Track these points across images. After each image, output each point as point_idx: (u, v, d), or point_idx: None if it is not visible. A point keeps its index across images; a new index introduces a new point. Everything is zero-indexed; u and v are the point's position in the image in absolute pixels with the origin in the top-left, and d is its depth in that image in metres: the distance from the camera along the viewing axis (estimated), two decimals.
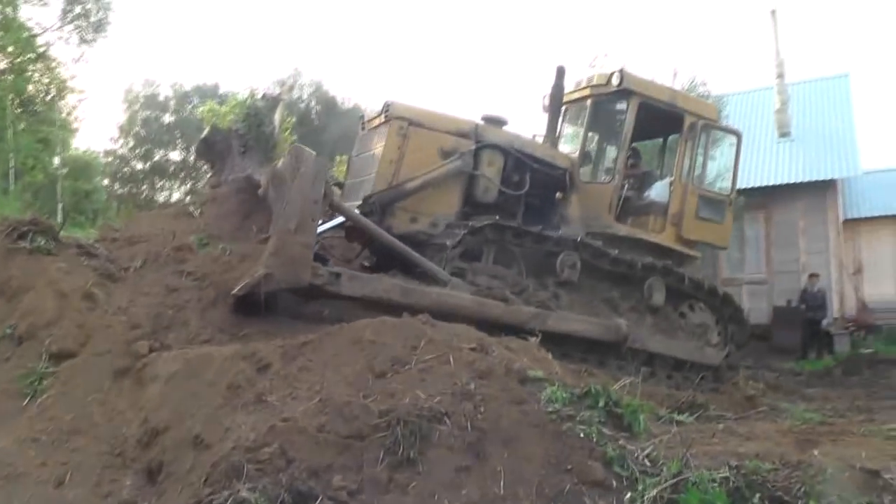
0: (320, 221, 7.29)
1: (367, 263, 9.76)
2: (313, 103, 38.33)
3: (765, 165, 18.44)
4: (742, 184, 12.22)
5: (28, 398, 5.59)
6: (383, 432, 4.05)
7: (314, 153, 7.02)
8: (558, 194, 9.87)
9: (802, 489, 3.68)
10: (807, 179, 17.66)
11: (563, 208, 9.83)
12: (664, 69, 32.77)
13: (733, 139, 11.36)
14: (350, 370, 4.68)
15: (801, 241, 17.80)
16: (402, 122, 8.52)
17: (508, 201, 9.22)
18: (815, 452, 4.51)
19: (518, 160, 9.25)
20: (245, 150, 11.64)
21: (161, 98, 39.07)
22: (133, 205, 33.75)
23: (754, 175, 17.78)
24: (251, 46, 76.00)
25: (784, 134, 19.36)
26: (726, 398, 9.10)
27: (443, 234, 8.42)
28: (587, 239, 9.17)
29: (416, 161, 8.52)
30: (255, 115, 12.37)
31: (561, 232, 9.16)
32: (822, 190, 17.69)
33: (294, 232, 6.69)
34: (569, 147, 11.20)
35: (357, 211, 8.01)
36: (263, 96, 14.42)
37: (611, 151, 11.29)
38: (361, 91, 75.22)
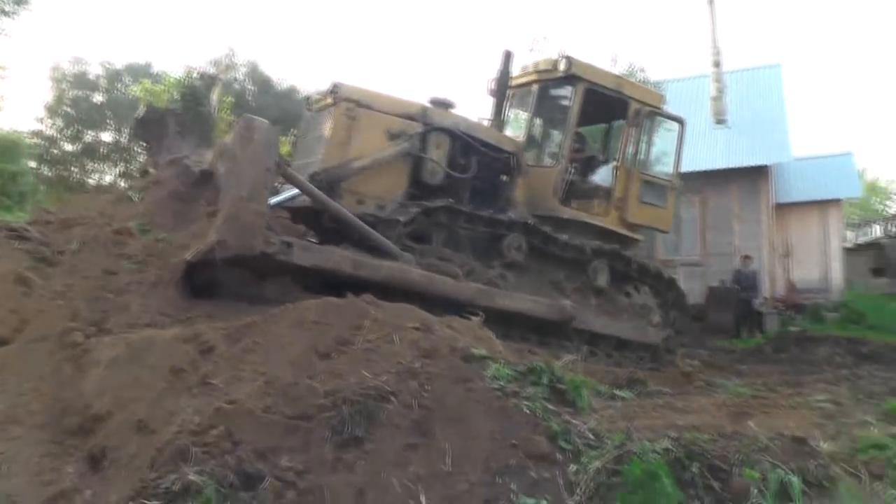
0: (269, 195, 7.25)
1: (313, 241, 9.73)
2: (249, 84, 37.59)
3: (701, 151, 18.88)
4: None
5: None
6: (329, 412, 4.07)
7: (266, 122, 7.00)
8: (504, 177, 9.98)
9: (738, 457, 3.84)
10: (741, 165, 18.15)
11: (508, 191, 9.96)
12: (603, 54, 33.22)
13: (675, 125, 11.60)
14: (295, 351, 4.68)
15: (735, 225, 18.33)
16: (350, 104, 8.49)
17: (455, 184, 9.29)
18: (750, 423, 4.71)
19: (465, 143, 9.33)
20: (182, 130, 11.43)
21: (91, 77, 37.68)
22: (64, 187, 32.68)
23: (691, 160, 18.13)
24: (183, 24, 74.07)
25: (720, 121, 19.82)
26: (664, 375, 9.36)
27: (394, 211, 8.44)
28: (536, 223, 9.29)
29: (363, 143, 8.51)
30: (193, 95, 12.12)
31: (510, 215, 9.27)
32: (756, 175, 18.23)
33: (247, 199, 6.69)
34: (515, 131, 11.27)
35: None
36: (201, 76, 14.11)
37: (556, 136, 11.41)
38: (297, 72, 74.13)
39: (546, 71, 10.59)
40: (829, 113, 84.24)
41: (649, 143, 11.04)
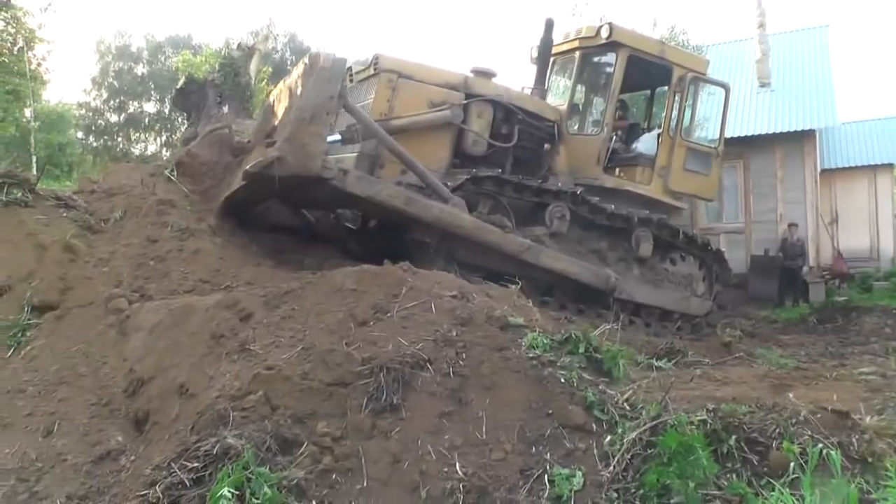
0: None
1: (352, 226, 9.86)
2: (288, 54, 37.68)
3: (744, 115, 18.42)
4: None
5: (11, 350, 5.61)
6: (366, 379, 4.10)
7: (334, 53, 7.12)
8: (546, 146, 9.89)
9: (777, 430, 3.77)
10: (785, 129, 17.69)
11: (551, 159, 9.91)
12: (644, 18, 32.51)
13: (720, 91, 11.34)
14: (332, 318, 4.71)
15: (779, 191, 17.88)
16: (392, 75, 8.47)
17: (497, 153, 9.27)
18: (790, 395, 4.63)
19: (507, 112, 9.29)
20: (221, 100, 11.50)
21: (133, 49, 38.19)
22: (109, 157, 33.25)
23: (733, 125, 17.74)
24: None
25: (764, 84, 19.33)
26: (703, 345, 9.27)
27: (443, 177, 8.43)
28: (584, 192, 9.22)
29: (405, 113, 8.51)
30: (231, 66, 12.16)
31: (557, 184, 9.22)
32: (800, 140, 17.73)
33: (308, 122, 6.83)
34: (557, 99, 11.13)
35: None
36: (239, 46, 14.15)
37: (598, 103, 11.25)
38: (336, 41, 73.95)
39: (588, 38, 10.42)
40: (882, 76, 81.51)
41: (694, 110, 10.83)
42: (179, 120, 32.24)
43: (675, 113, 10.53)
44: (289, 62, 36.80)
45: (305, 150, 6.83)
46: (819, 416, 3.92)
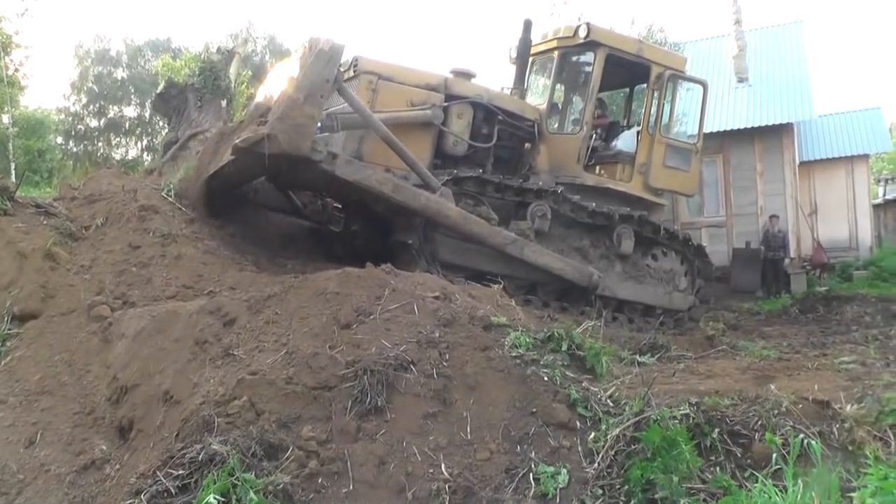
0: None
1: (335, 229, 9.95)
2: (268, 56, 37.53)
3: (723, 110, 18.56)
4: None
5: None
6: (350, 382, 4.11)
7: (333, 38, 7.20)
8: (527, 145, 9.95)
9: (759, 422, 3.82)
10: (764, 123, 17.83)
11: (531, 158, 9.95)
12: (622, 16, 32.69)
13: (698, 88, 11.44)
14: (315, 322, 4.71)
15: (759, 184, 18.04)
16: (372, 77, 8.47)
17: (478, 153, 9.33)
18: (772, 387, 4.67)
19: (487, 113, 9.34)
20: (201, 104, 11.47)
21: (113, 53, 37.86)
22: (89, 162, 32.96)
23: (712, 120, 17.87)
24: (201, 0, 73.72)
25: (741, 79, 19.50)
26: (687, 339, 9.32)
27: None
28: (564, 191, 9.26)
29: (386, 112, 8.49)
30: (211, 69, 12.13)
31: (536, 182, 9.26)
32: (779, 133, 17.88)
33: (303, 102, 6.87)
34: (536, 98, 11.18)
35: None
36: (218, 50, 14.11)
37: (578, 102, 11.32)
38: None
39: (566, 38, 10.46)
40: (856, 70, 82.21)
41: (672, 107, 10.89)
42: (160, 124, 32.02)
43: (653, 110, 10.58)
44: (269, 65, 36.66)
45: (297, 130, 6.86)
46: (800, 406, 3.97)
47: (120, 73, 37.79)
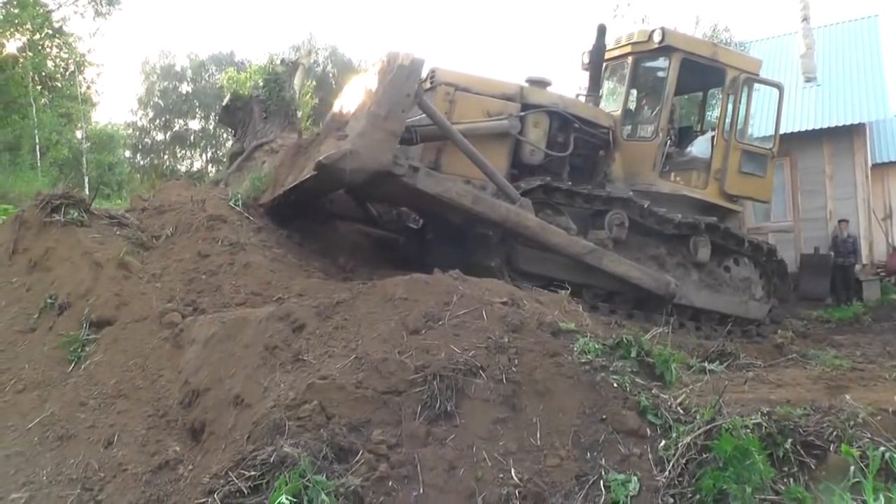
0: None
1: (414, 226, 10.08)
2: (329, 66, 38.17)
3: (789, 111, 18.11)
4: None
5: (73, 364, 5.77)
6: (420, 387, 4.13)
7: (413, 52, 7.32)
8: (601, 152, 9.95)
9: (834, 433, 3.71)
10: (832, 124, 17.35)
11: (606, 166, 9.94)
12: (686, 16, 32.24)
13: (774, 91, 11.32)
14: (384, 327, 4.75)
15: (828, 188, 17.53)
16: (449, 88, 8.58)
17: (554, 162, 9.36)
18: (847, 397, 4.53)
19: (563, 121, 9.37)
20: (266, 115, 11.69)
21: (178, 68, 39.09)
22: (156, 175, 33.96)
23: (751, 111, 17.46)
24: (263, 13, 75.42)
25: (809, 79, 19.00)
26: (755, 347, 9.13)
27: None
28: (650, 202, 9.30)
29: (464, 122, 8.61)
30: (276, 81, 12.34)
31: (610, 190, 9.29)
32: (849, 134, 17.36)
33: (384, 118, 7.01)
34: (610, 104, 11.13)
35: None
36: (283, 62, 14.37)
37: (653, 108, 11.23)
38: (376, 52, 74.54)
39: (640, 42, 10.43)
40: None
41: (748, 112, 10.79)
42: (224, 136, 32.81)
43: (729, 115, 10.48)
44: (331, 75, 37.28)
45: (378, 145, 7.00)
46: (879, 418, 3.84)
47: (185, 88, 38.95)
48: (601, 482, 3.64)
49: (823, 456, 3.63)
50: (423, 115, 7.98)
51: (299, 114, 13.16)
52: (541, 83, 9.67)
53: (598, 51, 10.37)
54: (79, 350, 5.89)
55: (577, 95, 10.61)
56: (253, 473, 3.70)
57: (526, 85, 9.39)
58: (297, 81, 13.23)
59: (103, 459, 4.69)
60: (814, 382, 6.10)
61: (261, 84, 12.96)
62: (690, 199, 10.06)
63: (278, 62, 14.53)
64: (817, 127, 17.50)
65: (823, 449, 3.66)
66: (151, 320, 6.15)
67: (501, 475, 3.69)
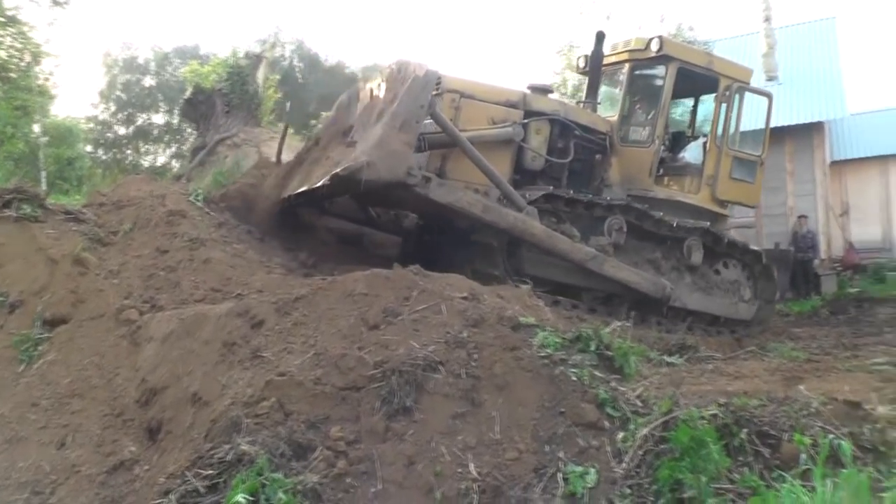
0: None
1: (412, 227, 10.23)
2: (296, 61, 37.84)
3: (751, 109, 18.37)
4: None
5: (24, 364, 5.65)
6: (379, 383, 4.12)
7: (426, 64, 7.54)
8: (598, 157, 10.12)
9: (788, 423, 3.78)
10: (794, 122, 17.63)
11: (603, 171, 10.10)
12: (650, 14, 32.54)
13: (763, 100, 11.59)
14: (344, 323, 4.72)
15: (789, 184, 17.83)
16: (454, 95, 8.62)
17: (554, 167, 9.51)
18: (801, 388, 4.62)
19: (563, 128, 9.52)
20: (229, 109, 11.58)
21: (141, 61, 38.38)
22: (118, 170, 33.41)
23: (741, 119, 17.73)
24: (229, 6, 74.51)
25: (771, 78, 19.26)
26: (715, 340, 9.26)
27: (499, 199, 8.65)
28: (647, 208, 9.49)
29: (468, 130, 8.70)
30: (238, 75, 12.23)
31: (609, 197, 9.52)
32: (809, 132, 17.68)
33: (398, 130, 7.12)
34: (606, 110, 11.29)
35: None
36: (246, 55, 14.23)
37: (648, 114, 11.36)
38: (343, 47, 74.10)
39: (638, 50, 10.59)
40: (890, 66, 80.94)
41: (739, 120, 10.99)
42: (188, 131, 32.39)
43: (721, 123, 10.72)
44: (297, 69, 36.95)
45: (394, 157, 7.12)
46: (830, 407, 3.92)
47: (148, 81, 38.30)
48: (559, 474, 3.67)
49: (777, 445, 3.70)
50: (429, 121, 8.09)
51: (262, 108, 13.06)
52: (543, 90, 9.91)
53: (597, 57, 10.52)
54: (31, 349, 5.77)
55: (578, 103, 10.77)
56: (210, 472, 3.68)
57: (528, 92, 9.57)
58: (260, 75, 13.11)
59: (55, 461, 4.60)
60: (771, 374, 6.21)
61: (224, 77, 12.83)
62: (684, 204, 10.33)
63: (241, 55, 14.37)
64: (779, 125, 17.78)
65: (778, 438, 3.72)
66: (108, 318, 6.04)
67: (460, 470, 3.69)
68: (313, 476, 3.60)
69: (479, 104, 8.82)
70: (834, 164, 19.82)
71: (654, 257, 9.70)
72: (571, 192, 9.06)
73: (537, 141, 9.22)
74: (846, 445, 3.55)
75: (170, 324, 5.55)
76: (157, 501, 3.69)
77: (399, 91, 7.29)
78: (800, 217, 16.96)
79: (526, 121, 9.08)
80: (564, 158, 9.48)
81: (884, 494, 3.22)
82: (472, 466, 3.70)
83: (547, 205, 8.69)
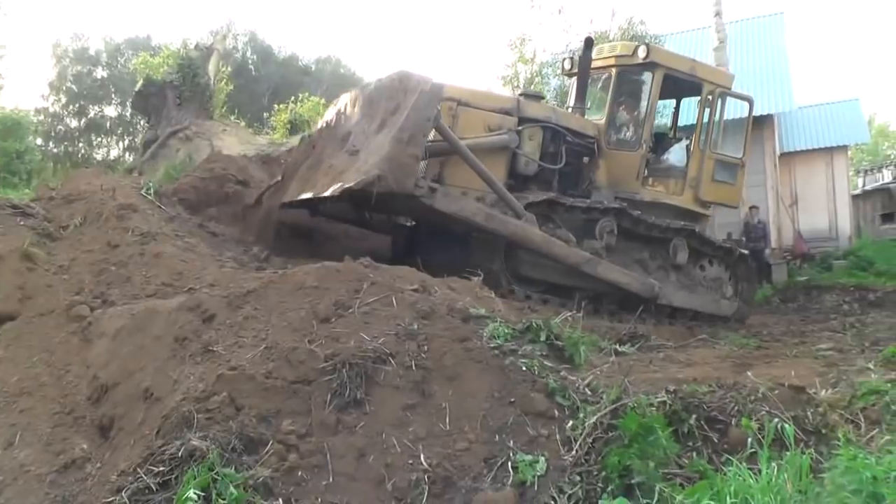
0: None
1: (407, 223, 10.44)
2: (249, 53, 37.42)
3: None
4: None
5: None
6: (329, 375, 4.12)
7: (431, 77, 7.72)
8: (586, 160, 10.34)
9: (736, 408, 3.90)
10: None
11: (591, 174, 10.32)
12: (602, 8, 32.77)
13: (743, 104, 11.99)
14: (295, 316, 4.71)
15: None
16: (452, 103, 8.73)
17: (546, 172, 9.71)
18: (749, 374, 4.74)
19: (555, 133, 9.75)
20: (181, 101, 11.42)
21: (92, 52, 37.58)
22: (70, 163, 32.69)
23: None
24: None
25: None
26: (668, 329, 9.42)
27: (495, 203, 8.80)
28: (640, 213, 9.79)
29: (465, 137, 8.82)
30: (190, 66, 12.06)
31: (598, 199, 9.80)
32: (759, 125, 18.02)
33: (406, 143, 7.34)
34: (592, 113, 11.45)
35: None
36: (197, 46, 14.03)
37: (635, 119, 11.47)
38: (297, 39, 73.42)
39: (624, 56, 10.83)
40: (835, 61, 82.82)
41: (721, 123, 11.32)
42: (141, 123, 31.83)
43: (704, 127, 10.98)
44: (250, 61, 36.52)
45: (403, 169, 7.35)
46: (777, 392, 4.04)
47: (100, 73, 37.50)
48: (509, 463, 3.71)
49: (726, 430, 3.81)
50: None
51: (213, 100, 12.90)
52: (535, 97, 10.32)
53: (585, 62, 10.67)
54: None
55: (568, 108, 10.97)
56: (162, 469, 3.65)
57: (522, 99, 9.85)
58: (211, 67, 12.94)
59: (2, 461, 4.49)
60: (721, 361, 6.35)
61: (175, 69, 12.63)
62: (669, 205, 10.62)
63: (193, 47, 14.16)
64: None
65: (726, 423, 3.83)
66: (58, 314, 5.95)
67: (411, 461, 3.72)
68: (265, 470, 3.59)
69: (476, 112, 9.04)
70: (783, 155, 20.28)
71: (643, 257, 10.05)
72: (559, 191, 9.40)
73: (531, 147, 9.49)
74: (790, 428, 3.67)
75: (121, 319, 5.49)
76: (109, 500, 3.65)
77: (403, 102, 7.49)
78: (751, 207, 17.30)
79: (520, 127, 9.30)
80: (556, 163, 9.74)
81: (824, 475, 3.32)
82: (422, 457, 3.73)
83: (545, 210, 8.98)
